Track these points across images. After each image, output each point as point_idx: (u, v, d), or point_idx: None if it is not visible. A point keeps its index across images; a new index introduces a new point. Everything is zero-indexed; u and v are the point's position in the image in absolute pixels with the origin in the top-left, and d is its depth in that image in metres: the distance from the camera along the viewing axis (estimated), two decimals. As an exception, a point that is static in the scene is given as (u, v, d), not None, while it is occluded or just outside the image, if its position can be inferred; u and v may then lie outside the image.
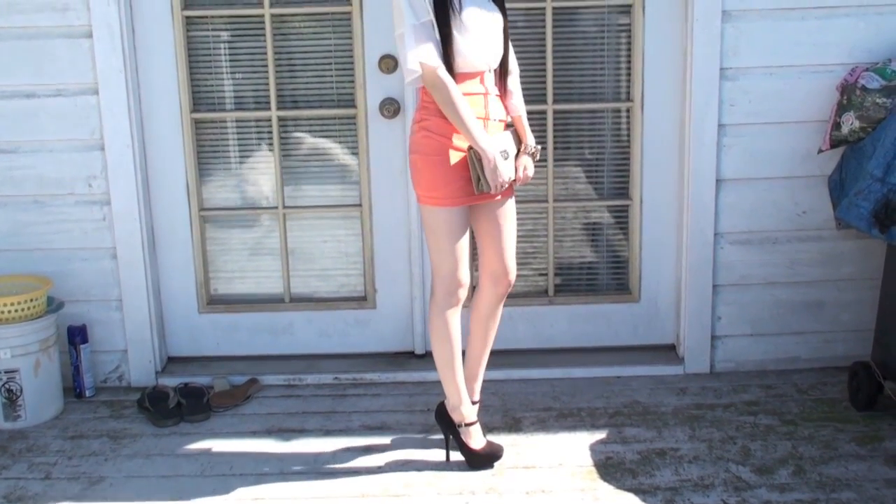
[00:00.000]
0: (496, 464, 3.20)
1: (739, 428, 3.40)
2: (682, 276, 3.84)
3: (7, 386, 3.51)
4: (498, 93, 3.06)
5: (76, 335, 3.75)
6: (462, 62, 2.91)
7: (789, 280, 3.78)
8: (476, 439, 3.22)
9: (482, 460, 3.20)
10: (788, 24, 3.55)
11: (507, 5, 3.07)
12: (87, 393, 3.79)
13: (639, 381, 3.81)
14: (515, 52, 3.16)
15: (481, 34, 2.93)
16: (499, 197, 3.05)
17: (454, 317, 3.13)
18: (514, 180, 3.10)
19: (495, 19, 2.98)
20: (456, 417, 3.22)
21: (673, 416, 3.51)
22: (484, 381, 3.37)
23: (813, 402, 3.59)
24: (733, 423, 3.44)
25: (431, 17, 2.85)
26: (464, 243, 3.06)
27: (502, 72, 3.07)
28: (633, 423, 3.47)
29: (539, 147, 3.15)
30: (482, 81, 2.99)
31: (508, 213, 3.15)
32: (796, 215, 3.73)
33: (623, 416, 3.53)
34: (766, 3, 3.54)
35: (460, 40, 2.88)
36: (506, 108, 3.11)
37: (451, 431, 3.24)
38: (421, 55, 2.84)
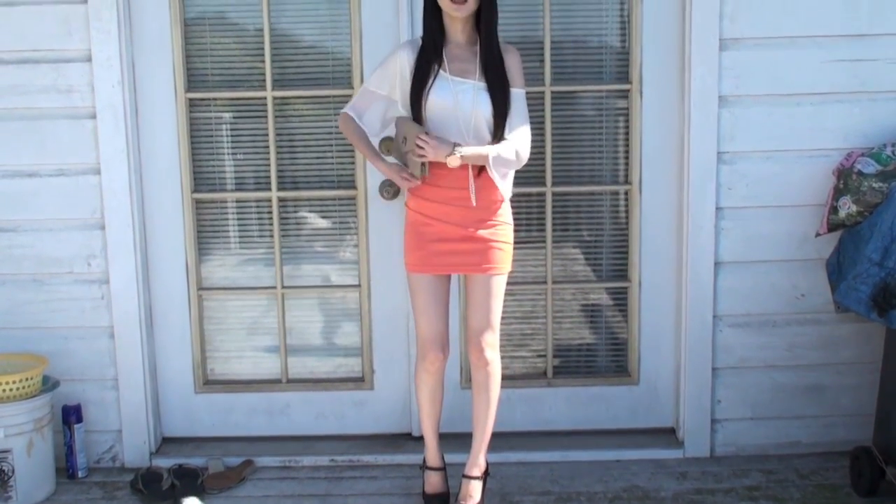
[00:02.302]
0: None
1: (741, 514, 3.37)
2: (681, 358, 3.83)
3: (-1, 466, 3.47)
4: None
5: (71, 414, 3.72)
6: None
7: (789, 363, 3.77)
8: (428, 483, 3.46)
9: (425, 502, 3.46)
10: (784, 109, 3.60)
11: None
12: (80, 473, 3.74)
13: (638, 464, 3.77)
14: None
15: (444, 122, 3.16)
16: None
17: (426, 380, 3.36)
18: (488, 267, 3.24)
19: (473, 108, 3.16)
20: (425, 455, 3.48)
21: (673, 501, 3.46)
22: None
23: (814, 487, 3.55)
24: (734, 509, 3.40)
25: (383, 92, 3.27)
26: (430, 310, 3.27)
27: None
28: (633, 508, 3.44)
29: (458, 152, 3.11)
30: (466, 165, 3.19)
31: (483, 287, 3.28)
32: (795, 298, 3.73)
33: (622, 500, 3.48)
34: (761, 89, 3.59)
35: (428, 125, 3.19)
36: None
37: None
38: (348, 107, 3.35)
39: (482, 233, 3.23)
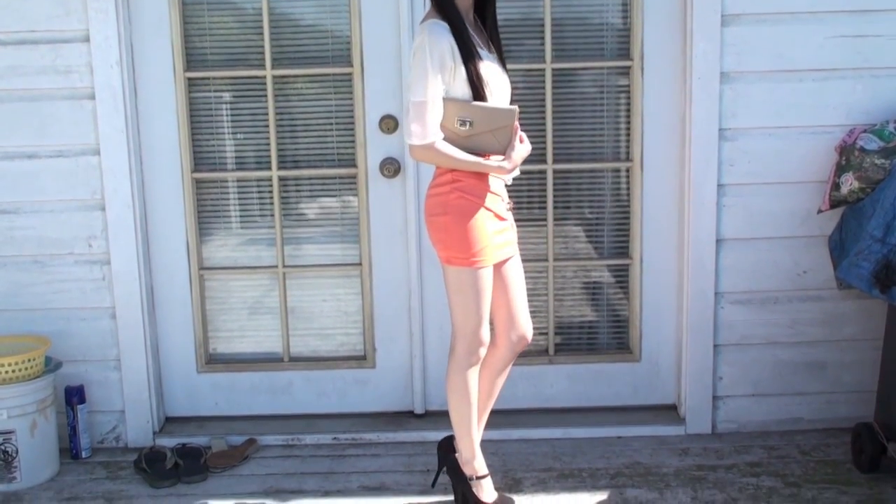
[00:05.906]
0: None
1: (742, 489, 3.37)
2: (682, 335, 3.83)
3: (3, 447, 3.48)
4: None
5: (73, 395, 3.73)
6: None
7: (790, 340, 3.77)
8: (487, 492, 3.21)
9: None
10: (786, 85, 3.58)
11: (509, 66, 3.14)
12: (84, 454, 3.76)
13: (640, 441, 3.78)
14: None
15: (500, 97, 3.03)
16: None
17: (474, 374, 3.14)
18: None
19: (506, 82, 3.08)
20: (468, 471, 3.22)
21: (675, 478, 3.48)
22: (484, 440, 3.33)
23: (816, 463, 3.56)
24: (736, 485, 3.41)
25: (444, 88, 2.90)
26: (488, 303, 3.09)
27: None
28: (635, 484, 3.44)
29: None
30: None
31: (519, 270, 3.19)
32: (797, 275, 3.73)
33: (624, 476, 3.50)
34: (763, 66, 3.57)
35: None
36: None
37: (446, 464, 3.30)
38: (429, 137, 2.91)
39: (509, 212, 3.14)
